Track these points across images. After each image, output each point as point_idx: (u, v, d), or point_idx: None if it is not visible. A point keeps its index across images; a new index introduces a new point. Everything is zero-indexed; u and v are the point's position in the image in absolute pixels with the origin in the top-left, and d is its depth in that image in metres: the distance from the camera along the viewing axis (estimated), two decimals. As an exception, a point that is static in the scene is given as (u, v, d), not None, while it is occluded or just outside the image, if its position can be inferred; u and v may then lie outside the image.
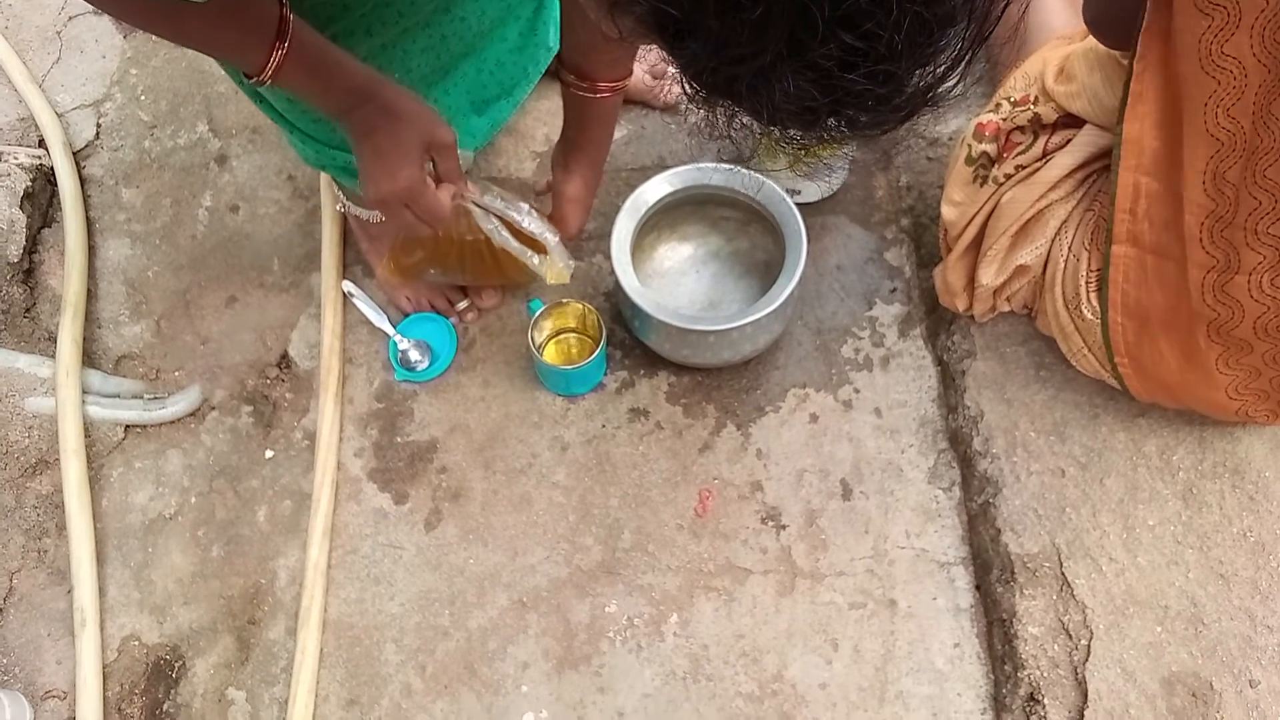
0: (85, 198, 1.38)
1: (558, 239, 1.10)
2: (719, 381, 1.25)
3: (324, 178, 1.33)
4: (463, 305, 1.28)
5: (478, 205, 1.06)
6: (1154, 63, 0.88)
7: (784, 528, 1.17)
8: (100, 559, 1.18)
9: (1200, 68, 0.83)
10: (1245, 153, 0.84)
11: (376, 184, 0.93)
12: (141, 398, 1.26)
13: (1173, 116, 0.89)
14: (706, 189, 1.20)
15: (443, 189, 0.98)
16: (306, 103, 0.95)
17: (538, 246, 1.09)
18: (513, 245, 1.08)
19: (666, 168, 1.37)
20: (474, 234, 1.09)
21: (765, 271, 1.23)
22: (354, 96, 0.91)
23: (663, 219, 1.24)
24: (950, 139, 1.35)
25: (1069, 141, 1.01)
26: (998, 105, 1.08)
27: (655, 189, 1.18)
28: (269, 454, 1.23)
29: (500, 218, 1.07)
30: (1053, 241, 1.05)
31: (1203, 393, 1.02)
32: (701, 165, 1.19)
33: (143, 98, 1.47)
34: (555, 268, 1.10)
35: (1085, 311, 1.03)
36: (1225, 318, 0.94)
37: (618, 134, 1.41)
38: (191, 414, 1.25)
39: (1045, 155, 1.03)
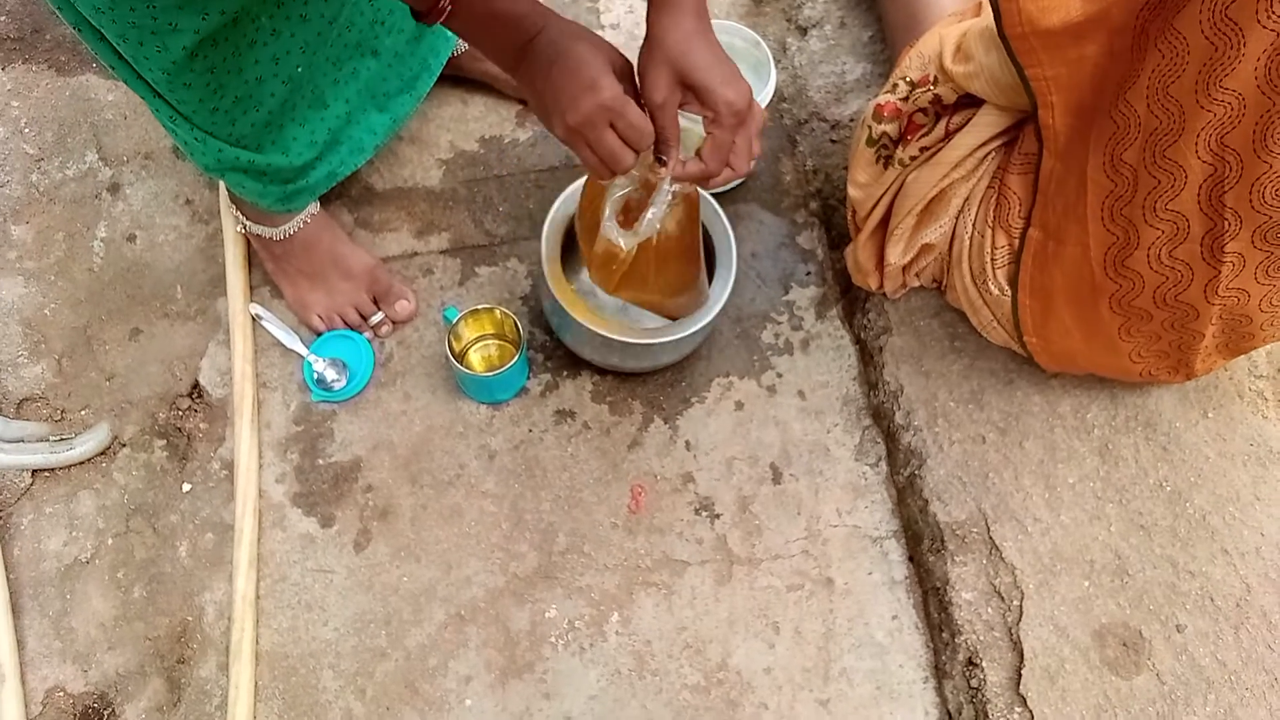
0: (-28, 238, 1.33)
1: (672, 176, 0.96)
2: (643, 377, 1.24)
3: (223, 198, 1.29)
4: (376, 319, 1.26)
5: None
6: (1053, 61, 0.89)
7: (718, 517, 1.17)
8: (16, 610, 1.13)
9: (1130, 47, 0.85)
10: (1143, 135, 0.87)
11: (576, 104, 0.84)
12: (47, 440, 1.21)
13: (1083, 99, 0.91)
14: None
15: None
16: (482, 45, 0.88)
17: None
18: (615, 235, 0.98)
19: (574, 167, 1.37)
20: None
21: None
22: (531, 20, 0.86)
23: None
24: (851, 121, 1.36)
25: (969, 121, 1.03)
26: (894, 86, 1.09)
27: (574, 197, 1.15)
28: (186, 487, 1.19)
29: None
30: (956, 219, 1.07)
31: (1107, 359, 1.05)
32: None
33: (26, 130, 1.42)
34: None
35: (991, 287, 1.05)
36: (1126, 290, 0.96)
37: (521, 136, 1.40)
38: (101, 453, 1.21)
39: (948, 135, 1.04)
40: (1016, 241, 1.03)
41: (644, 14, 1.49)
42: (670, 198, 0.96)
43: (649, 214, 0.97)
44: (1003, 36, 0.89)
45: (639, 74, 0.90)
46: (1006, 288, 1.05)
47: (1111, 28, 0.86)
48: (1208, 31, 0.78)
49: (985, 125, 1.02)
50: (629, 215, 0.99)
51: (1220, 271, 0.90)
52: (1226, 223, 0.87)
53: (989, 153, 1.05)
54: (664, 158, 0.93)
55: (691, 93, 0.90)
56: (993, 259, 1.05)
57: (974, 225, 1.06)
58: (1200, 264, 0.91)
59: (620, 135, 0.87)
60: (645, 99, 0.90)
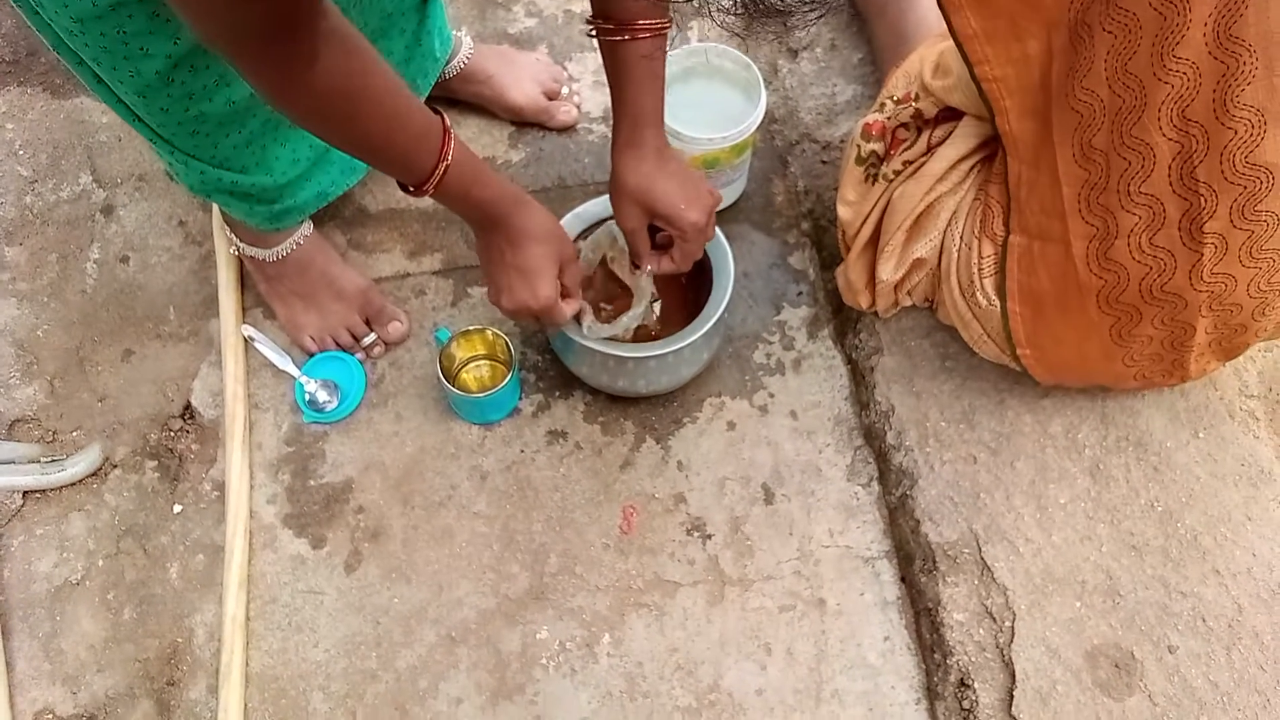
0: (-35, 259, 1.33)
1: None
2: (635, 398, 1.24)
3: (216, 220, 1.30)
4: (368, 340, 1.26)
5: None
6: (999, 58, 0.91)
7: (709, 537, 1.17)
8: (5, 632, 1.13)
9: (1069, 41, 0.86)
10: (1109, 117, 0.88)
11: (514, 296, 1.00)
12: (39, 461, 1.21)
13: (1036, 102, 0.92)
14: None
15: (568, 304, 1.05)
16: (452, 211, 0.99)
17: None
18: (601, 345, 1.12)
19: (566, 188, 1.38)
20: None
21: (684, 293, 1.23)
22: (499, 208, 0.96)
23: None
24: (842, 142, 1.37)
25: (951, 134, 1.03)
26: (882, 105, 1.10)
27: (572, 223, 1.16)
28: (177, 509, 1.19)
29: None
30: (945, 233, 1.08)
31: (1101, 366, 1.05)
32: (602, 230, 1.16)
33: (21, 152, 1.42)
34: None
35: (980, 299, 1.05)
36: (1112, 284, 0.96)
37: (515, 157, 1.40)
38: (93, 474, 1.21)
39: (930, 149, 1.05)
40: (1001, 250, 1.03)
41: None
42: (650, 297, 1.12)
43: (627, 316, 1.11)
44: (949, 20, 0.91)
45: (612, 204, 1.06)
46: (994, 298, 1.05)
47: (1047, 22, 0.87)
48: (1154, 2, 0.80)
49: (965, 137, 1.03)
50: (597, 294, 1.18)
51: (1203, 255, 0.90)
52: (1202, 200, 0.87)
53: (974, 165, 1.06)
54: (639, 265, 1.11)
55: (660, 220, 1.05)
56: (979, 269, 1.05)
57: (961, 238, 1.07)
58: (1181, 249, 0.91)
59: (541, 322, 1.07)
60: (619, 225, 1.07)
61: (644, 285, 1.12)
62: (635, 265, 1.11)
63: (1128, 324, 0.99)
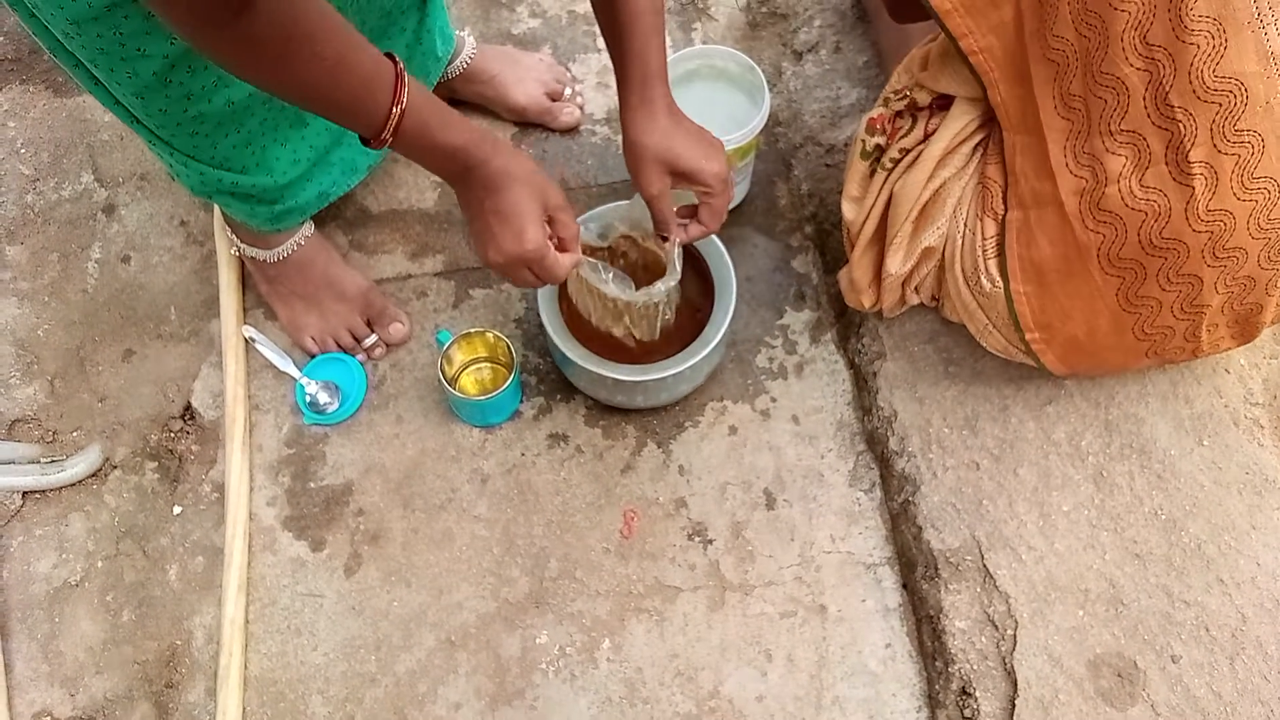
0: (-34, 258, 1.33)
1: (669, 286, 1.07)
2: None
3: (217, 220, 1.29)
4: (370, 341, 1.26)
5: (591, 271, 1.05)
6: (980, 28, 0.92)
7: (711, 542, 1.16)
8: (4, 633, 1.13)
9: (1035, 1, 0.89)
10: (1081, 60, 0.89)
11: (499, 246, 0.92)
12: (38, 462, 1.21)
13: (1019, 66, 0.94)
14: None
15: (565, 256, 0.97)
16: (425, 166, 0.93)
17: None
18: (628, 295, 1.07)
19: (569, 189, 1.38)
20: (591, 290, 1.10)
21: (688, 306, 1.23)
22: (470, 154, 0.90)
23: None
24: (846, 144, 1.36)
25: (945, 119, 1.04)
26: (885, 100, 1.10)
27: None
28: (177, 510, 1.19)
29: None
30: (950, 219, 1.07)
31: (1112, 340, 1.03)
32: (614, 206, 1.15)
33: (23, 150, 1.42)
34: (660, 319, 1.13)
35: (984, 283, 1.04)
36: (1110, 239, 0.96)
37: (518, 159, 1.40)
38: (93, 475, 1.21)
39: (926, 136, 1.05)
40: (1002, 227, 1.03)
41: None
42: (679, 267, 1.07)
43: (661, 283, 1.06)
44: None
45: (630, 172, 1.02)
46: (998, 279, 1.04)
47: None
48: None
49: (958, 118, 1.04)
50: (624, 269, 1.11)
51: (1194, 188, 0.90)
52: (1181, 126, 0.87)
53: (975, 147, 1.05)
54: (666, 236, 1.06)
55: (682, 177, 1.02)
56: (984, 251, 1.04)
57: (965, 223, 1.06)
58: (1173, 185, 0.91)
59: (536, 276, 0.96)
60: (641, 193, 1.03)
61: (676, 259, 1.07)
62: (663, 237, 1.07)
63: (1133, 284, 0.97)
